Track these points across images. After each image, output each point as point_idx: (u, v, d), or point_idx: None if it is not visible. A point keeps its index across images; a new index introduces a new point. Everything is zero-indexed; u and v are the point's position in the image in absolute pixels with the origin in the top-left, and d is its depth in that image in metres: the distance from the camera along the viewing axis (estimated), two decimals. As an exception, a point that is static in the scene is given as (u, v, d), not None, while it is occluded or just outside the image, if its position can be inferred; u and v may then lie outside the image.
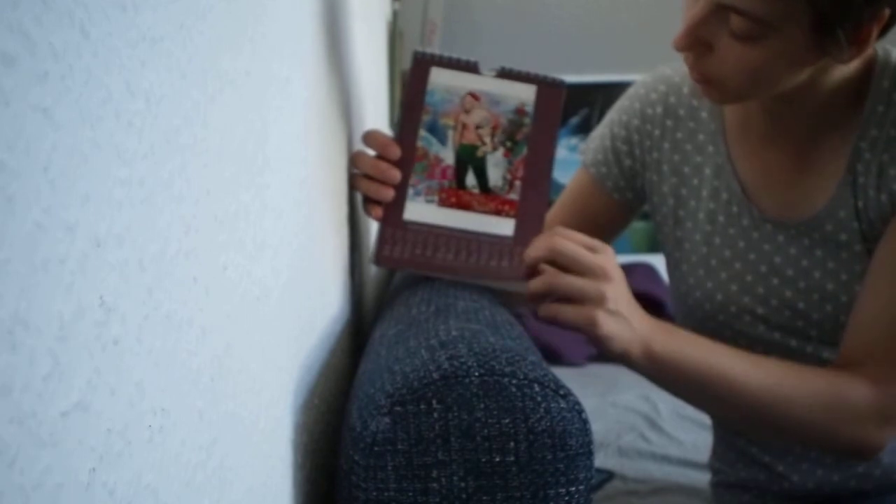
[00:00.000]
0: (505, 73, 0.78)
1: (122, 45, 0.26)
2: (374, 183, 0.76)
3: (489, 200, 0.78)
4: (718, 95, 0.82)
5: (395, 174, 0.75)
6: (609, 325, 0.70)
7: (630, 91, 1.02)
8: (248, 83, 0.42)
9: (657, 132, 0.97)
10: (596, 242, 0.73)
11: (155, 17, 0.28)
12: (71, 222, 0.22)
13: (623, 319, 0.71)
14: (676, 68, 0.98)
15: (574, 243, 0.72)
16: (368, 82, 1.28)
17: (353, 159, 0.78)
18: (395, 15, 2.26)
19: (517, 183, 0.78)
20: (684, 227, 0.96)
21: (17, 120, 0.19)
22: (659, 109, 0.97)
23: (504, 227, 0.78)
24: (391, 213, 0.77)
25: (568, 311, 0.71)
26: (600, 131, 1.03)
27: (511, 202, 0.78)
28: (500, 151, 0.78)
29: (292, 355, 0.54)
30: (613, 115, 1.02)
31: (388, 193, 0.76)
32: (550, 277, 0.71)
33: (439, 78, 0.77)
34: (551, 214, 1.03)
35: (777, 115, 0.88)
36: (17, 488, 0.19)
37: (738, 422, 0.86)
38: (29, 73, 0.20)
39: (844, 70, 0.81)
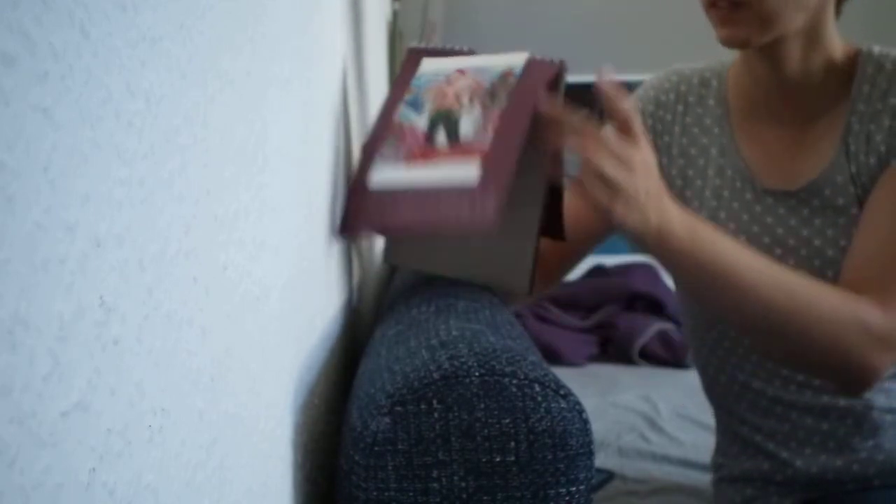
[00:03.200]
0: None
1: (122, 45, 0.26)
2: None
3: (455, 152, 0.73)
4: (745, 29, 0.86)
5: None
6: (622, 213, 0.74)
7: (644, 84, 1.09)
8: (248, 83, 0.42)
9: (669, 117, 1.04)
10: (635, 131, 0.75)
11: (155, 17, 0.28)
12: (71, 222, 0.22)
13: (640, 209, 0.74)
14: (686, 65, 1.07)
15: (607, 145, 0.74)
16: (368, 82, 1.28)
17: None
18: (395, 15, 2.26)
19: (489, 132, 0.74)
20: (691, 207, 1.01)
21: (17, 120, 0.19)
22: (672, 96, 1.04)
23: (468, 171, 0.72)
24: (357, 186, 0.74)
25: (595, 190, 0.74)
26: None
27: (478, 148, 0.73)
28: (477, 108, 0.75)
29: (292, 355, 0.54)
30: None
31: None
32: (590, 157, 0.73)
33: (429, 65, 0.76)
34: None
35: (778, 99, 0.95)
36: (17, 488, 0.19)
37: (746, 322, 0.86)
38: (29, 73, 0.20)
39: (834, 59, 0.92)
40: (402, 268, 0.87)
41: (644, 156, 0.75)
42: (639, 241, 0.77)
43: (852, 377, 0.84)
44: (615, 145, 0.73)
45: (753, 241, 0.96)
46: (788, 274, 0.83)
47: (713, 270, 0.79)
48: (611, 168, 0.72)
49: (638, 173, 0.74)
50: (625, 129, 0.74)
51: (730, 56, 1.03)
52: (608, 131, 0.74)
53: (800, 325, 0.80)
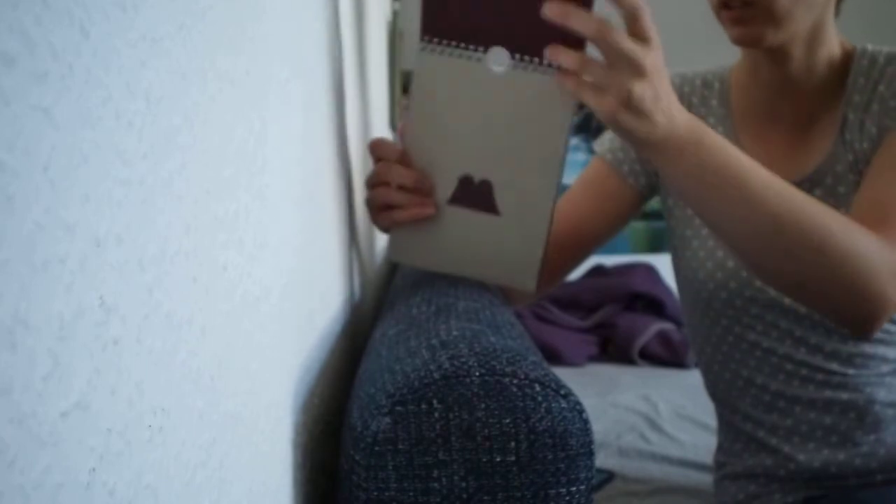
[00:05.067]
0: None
1: (122, 45, 0.26)
2: (415, 195, 0.75)
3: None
4: (758, 28, 0.87)
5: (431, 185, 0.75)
6: (626, 122, 0.68)
7: None
8: (248, 83, 0.42)
9: None
10: (648, 33, 0.68)
11: (155, 17, 0.28)
12: (71, 222, 0.22)
13: (644, 117, 0.68)
14: (688, 69, 1.09)
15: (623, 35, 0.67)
16: (368, 82, 1.28)
17: (383, 172, 0.76)
18: (395, 15, 2.26)
19: None
20: None
21: (17, 120, 0.19)
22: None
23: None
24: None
25: (590, 98, 0.69)
26: None
27: None
28: None
29: (292, 355, 0.54)
30: None
31: (431, 209, 0.75)
32: (582, 62, 0.68)
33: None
34: (565, 201, 1.10)
35: (781, 98, 0.98)
36: (17, 488, 0.19)
37: (752, 238, 0.78)
38: (29, 73, 0.20)
39: (834, 57, 0.95)
40: (405, 265, 0.86)
41: (654, 58, 0.67)
42: (641, 148, 0.72)
43: (862, 303, 0.79)
44: (627, 46, 0.65)
45: None
46: (798, 191, 0.77)
47: (720, 177, 0.73)
48: (610, 76, 0.67)
49: (649, 77, 0.67)
50: (634, 28, 0.67)
51: (730, 60, 1.05)
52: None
53: (811, 237, 0.75)
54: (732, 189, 0.74)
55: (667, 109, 0.70)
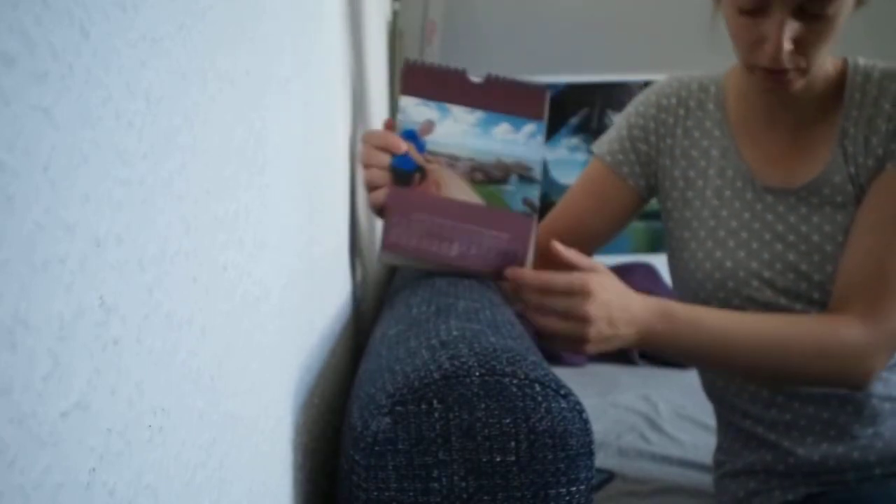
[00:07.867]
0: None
1: (122, 45, 0.26)
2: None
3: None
4: (792, 83, 0.91)
5: None
6: (597, 349, 0.81)
7: (646, 89, 1.13)
8: (248, 83, 0.42)
9: (671, 120, 1.08)
10: (582, 262, 0.82)
11: (155, 16, 0.28)
12: (71, 222, 0.22)
13: (610, 334, 0.81)
14: (684, 73, 1.12)
15: (556, 296, 0.80)
16: (368, 82, 1.28)
17: (366, 155, 0.82)
18: (395, 15, 2.26)
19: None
20: (693, 207, 1.05)
21: (17, 120, 0.19)
22: (673, 100, 1.08)
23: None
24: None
25: (561, 345, 0.82)
26: (616, 124, 1.14)
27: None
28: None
29: (292, 355, 0.54)
30: (630, 108, 1.13)
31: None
32: (544, 322, 0.81)
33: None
34: (565, 202, 1.13)
35: (778, 108, 1.00)
36: (17, 488, 0.19)
37: (742, 376, 0.97)
38: (29, 73, 0.20)
39: (829, 71, 0.98)
40: (395, 265, 0.90)
41: (593, 277, 0.80)
42: (623, 350, 0.85)
43: (852, 384, 0.91)
44: (563, 285, 0.79)
45: (755, 237, 1.00)
46: (767, 322, 0.90)
47: (698, 344, 0.87)
48: (564, 325, 0.79)
49: (596, 298, 0.80)
50: (571, 267, 0.80)
51: (726, 63, 1.06)
52: (554, 278, 0.80)
53: (790, 369, 0.89)
54: (711, 353, 0.88)
55: (625, 313, 0.82)
